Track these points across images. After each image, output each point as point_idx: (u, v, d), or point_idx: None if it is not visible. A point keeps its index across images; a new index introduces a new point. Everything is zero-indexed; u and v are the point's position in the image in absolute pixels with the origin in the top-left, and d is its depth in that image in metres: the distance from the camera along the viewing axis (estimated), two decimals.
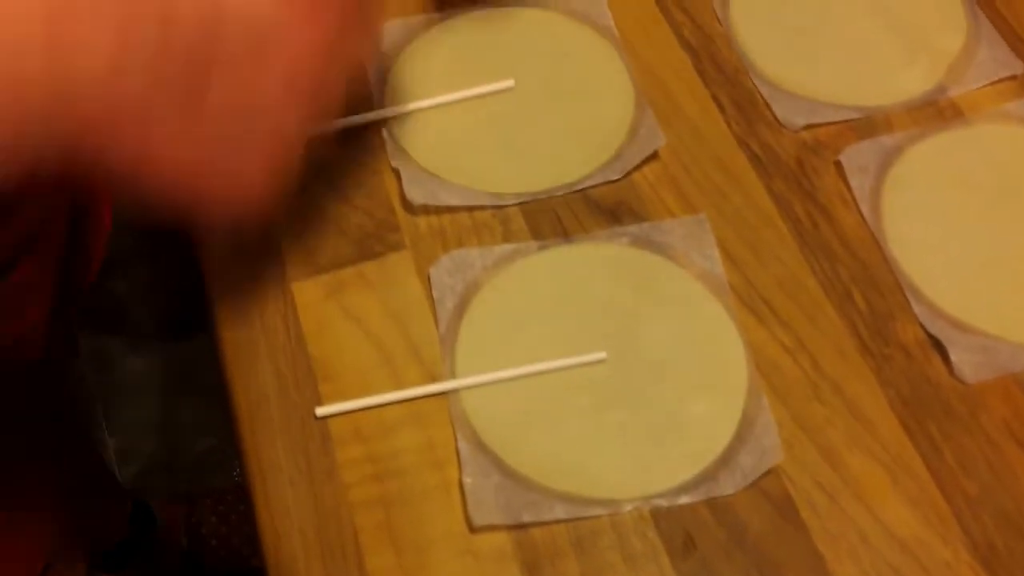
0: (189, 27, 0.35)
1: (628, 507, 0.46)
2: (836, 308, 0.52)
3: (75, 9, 0.32)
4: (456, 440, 0.48)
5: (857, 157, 0.56)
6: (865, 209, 0.54)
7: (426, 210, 0.55)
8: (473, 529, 0.46)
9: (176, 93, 0.35)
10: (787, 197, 0.55)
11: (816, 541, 0.46)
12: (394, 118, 0.58)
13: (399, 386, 0.49)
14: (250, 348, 0.51)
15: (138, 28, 0.34)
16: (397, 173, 0.56)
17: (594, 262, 0.53)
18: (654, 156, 0.56)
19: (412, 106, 0.58)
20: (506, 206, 0.55)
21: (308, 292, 0.52)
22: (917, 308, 0.51)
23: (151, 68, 0.34)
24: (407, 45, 0.61)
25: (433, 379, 0.50)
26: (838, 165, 0.56)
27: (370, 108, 0.58)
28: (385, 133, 0.58)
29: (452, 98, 0.59)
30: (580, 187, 0.55)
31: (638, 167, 0.56)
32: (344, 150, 0.57)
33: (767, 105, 0.59)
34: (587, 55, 0.60)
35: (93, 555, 1.12)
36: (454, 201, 0.55)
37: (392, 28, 0.62)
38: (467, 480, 0.47)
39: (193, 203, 0.39)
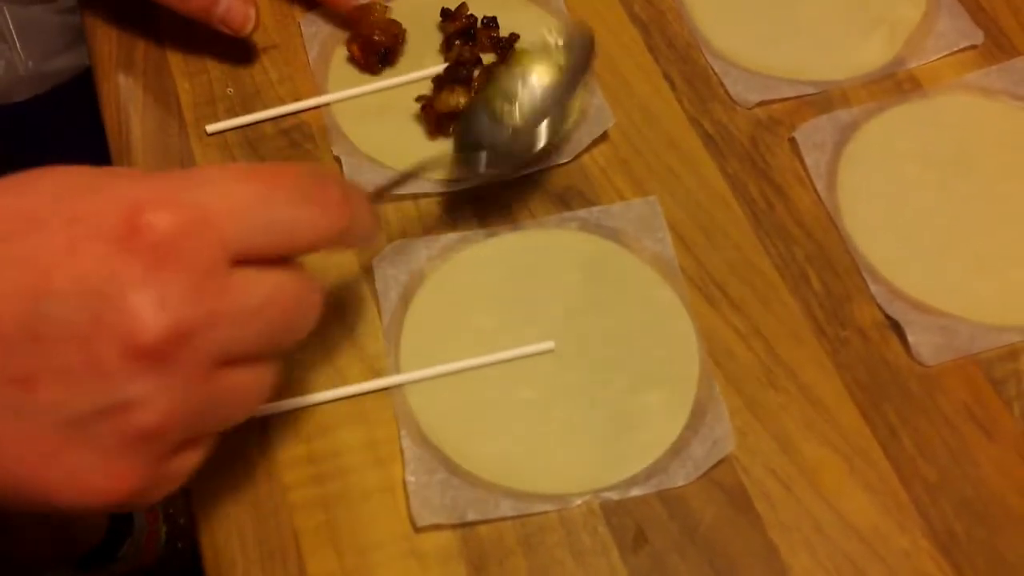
0: (8, 320, 0.30)
1: (577, 502, 0.45)
2: (791, 291, 0.50)
3: None
4: (400, 437, 0.46)
5: (812, 134, 0.54)
6: (821, 187, 0.53)
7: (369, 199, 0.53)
8: (417, 529, 0.44)
9: (5, 388, 0.31)
10: (741, 177, 0.54)
11: (770, 532, 0.44)
12: (336, 104, 0.56)
13: (341, 382, 0.48)
14: None
15: None
16: (339, 161, 0.54)
17: (542, 249, 0.52)
18: (604, 137, 0.55)
19: (354, 91, 0.57)
20: (452, 192, 0.53)
21: None
22: (874, 288, 0.50)
23: None
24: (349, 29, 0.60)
25: (377, 374, 0.48)
26: (793, 142, 0.54)
27: (313, 94, 0.57)
28: (327, 119, 0.56)
29: (395, 82, 0.57)
30: (528, 171, 0.54)
31: (587, 149, 0.54)
32: (285, 138, 0.55)
33: (720, 82, 0.57)
34: (532, 34, 0.58)
35: (77, 557, 1.11)
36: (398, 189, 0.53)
37: (336, 16, 0.60)
38: (410, 479, 0.45)
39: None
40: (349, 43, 0.57)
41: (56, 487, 0.32)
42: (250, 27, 0.56)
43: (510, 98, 0.51)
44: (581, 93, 0.52)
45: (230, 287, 0.32)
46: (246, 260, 0.33)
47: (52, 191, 0.32)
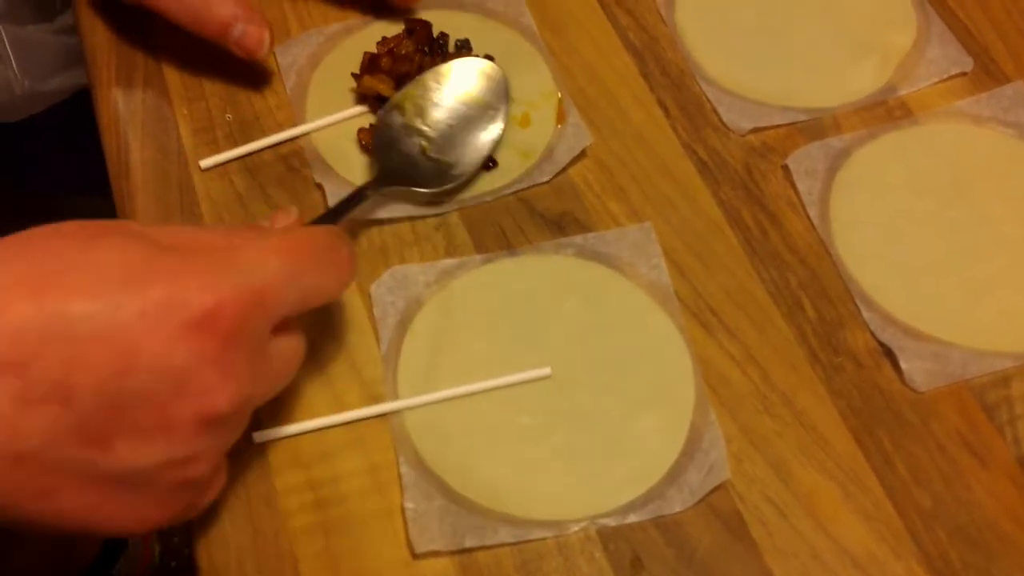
0: (91, 390, 0.34)
1: (574, 528, 0.45)
2: (785, 317, 0.51)
3: None
4: (398, 463, 0.47)
5: (805, 160, 0.55)
6: (813, 214, 0.53)
7: (365, 224, 0.53)
8: (416, 555, 0.45)
9: (81, 449, 0.35)
10: (735, 204, 0.54)
11: (767, 559, 0.45)
12: (316, 132, 0.57)
13: (340, 408, 0.48)
14: None
15: (35, 403, 0.33)
16: (321, 188, 0.54)
17: (539, 275, 0.52)
18: (591, 160, 0.55)
19: (332, 119, 0.57)
20: (449, 219, 0.54)
21: None
22: (867, 315, 0.50)
23: (52, 432, 0.34)
24: (325, 56, 0.60)
25: (375, 400, 0.48)
26: (786, 169, 0.55)
27: (291, 125, 0.57)
28: (306, 148, 0.56)
29: (362, 110, 0.57)
30: (511, 191, 0.55)
31: (564, 169, 0.55)
32: (283, 164, 0.56)
33: (713, 109, 0.57)
34: (506, 57, 0.58)
35: (72, 574, 1.11)
36: (382, 214, 0.54)
37: (308, 39, 0.60)
38: (409, 505, 0.45)
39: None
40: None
41: (98, 520, 0.37)
42: (264, 50, 0.56)
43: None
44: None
45: (272, 355, 0.40)
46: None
47: (120, 273, 0.35)
